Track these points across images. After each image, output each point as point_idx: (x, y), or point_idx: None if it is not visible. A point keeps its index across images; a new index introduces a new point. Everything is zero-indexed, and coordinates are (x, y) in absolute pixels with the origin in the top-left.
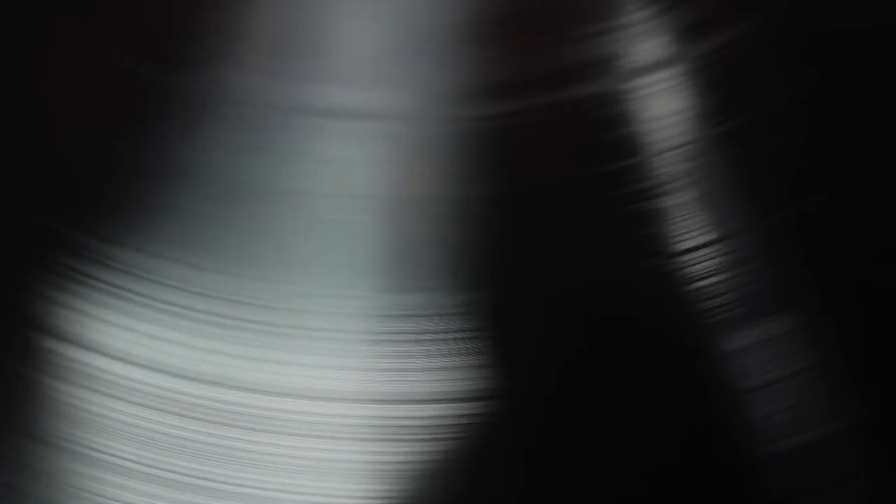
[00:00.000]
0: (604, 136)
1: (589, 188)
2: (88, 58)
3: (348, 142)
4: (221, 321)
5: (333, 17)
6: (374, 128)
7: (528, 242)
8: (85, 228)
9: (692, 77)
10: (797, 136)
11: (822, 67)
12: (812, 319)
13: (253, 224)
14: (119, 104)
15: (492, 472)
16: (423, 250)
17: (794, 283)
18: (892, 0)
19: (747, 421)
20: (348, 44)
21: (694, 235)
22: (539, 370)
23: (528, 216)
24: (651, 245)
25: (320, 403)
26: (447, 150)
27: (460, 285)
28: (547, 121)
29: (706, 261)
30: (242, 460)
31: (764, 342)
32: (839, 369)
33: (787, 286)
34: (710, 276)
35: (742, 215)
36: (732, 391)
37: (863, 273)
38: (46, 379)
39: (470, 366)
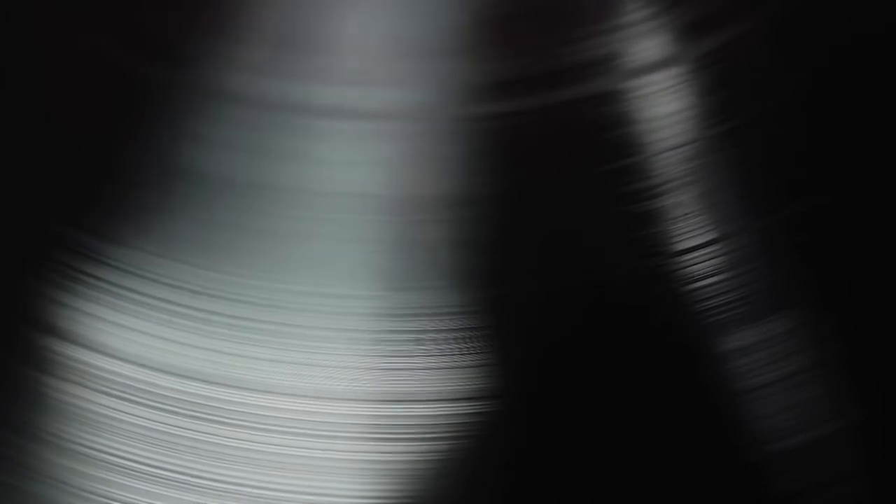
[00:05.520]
0: (604, 136)
1: (589, 188)
2: (88, 57)
3: (348, 142)
4: (221, 320)
5: (334, 16)
6: (374, 128)
7: (528, 242)
8: (85, 228)
9: (692, 77)
10: (797, 136)
11: (822, 67)
12: (812, 319)
13: (253, 224)
14: (119, 103)
15: (492, 472)
16: (424, 250)
17: (794, 282)
18: (891, 0)
19: (747, 421)
20: (348, 43)
21: (694, 235)
22: (539, 370)
23: (528, 216)
24: (651, 245)
25: (320, 403)
26: (447, 150)
27: (461, 285)
28: (547, 121)
29: (706, 260)
30: (242, 459)
31: (764, 342)
32: (839, 369)
33: (786, 286)
34: (709, 276)
35: (742, 215)
36: (732, 391)
37: (863, 272)
38: (46, 378)
39: (470, 366)
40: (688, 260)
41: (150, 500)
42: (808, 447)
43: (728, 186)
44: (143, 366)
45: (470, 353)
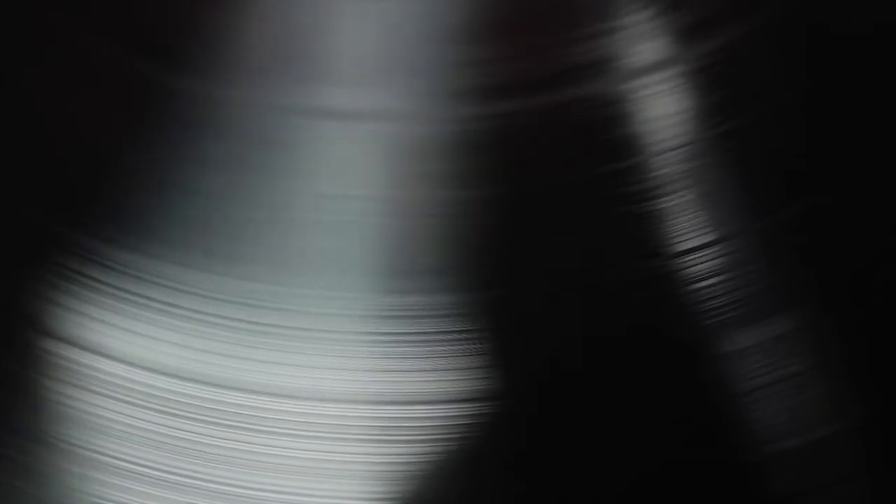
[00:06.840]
0: (604, 136)
1: (589, 188)
2: (88, 58)
3: (348, 142)
4: (221, 322)
5: (333, 17)
6: (374, 128)
7: (528, 242)
8: (85, 229)
9: (692, 77)
10: (797, 136)
11: (822, 67)
12: (811, 320)
13: (253, 224)
14: (119, 104)
15: (492, 472)
16: (423, 250)
17: (794, 283)
18: (892, 0)
19: (747, 421)
20: (348, 44)
21: (694, 236)
22: (539, 370)
23: (528, 216)
24: (651, 245)
25: (320, 403)
26: (447, 150)
27: (460, 285)
28: (547, 121)
29: (706, 261)
30: (242, 461)
31: (764, 342)
32: (839, 369)
33: (786, 287)
34: (709, 277)
35: (742, 215)
36: (732, 391)
37: (863, 273)
38: (45, 380)
39: (470, 366)
40: (688, 261)
41: (147, 502)
42: (808, 447)
43: (728, 187)
44: (142, 367)
45: (470, 354)
